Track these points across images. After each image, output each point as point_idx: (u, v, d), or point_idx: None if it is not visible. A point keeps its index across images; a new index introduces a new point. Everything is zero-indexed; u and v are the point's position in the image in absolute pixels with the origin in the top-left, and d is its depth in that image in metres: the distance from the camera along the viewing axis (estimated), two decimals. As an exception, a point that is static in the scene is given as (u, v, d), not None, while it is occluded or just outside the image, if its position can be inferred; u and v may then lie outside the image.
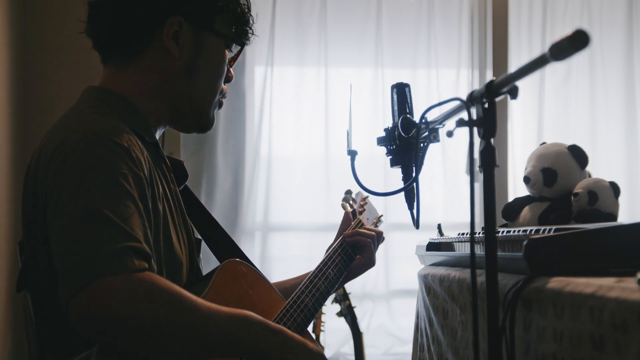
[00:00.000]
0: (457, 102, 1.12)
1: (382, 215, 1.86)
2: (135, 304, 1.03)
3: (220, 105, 1.43)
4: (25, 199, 1.23)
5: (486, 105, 1.02)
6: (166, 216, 1.25)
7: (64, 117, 1.27)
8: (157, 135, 1.38)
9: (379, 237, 1.71)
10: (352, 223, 1.74)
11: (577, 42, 0.84)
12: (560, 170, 1.76)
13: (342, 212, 1.80)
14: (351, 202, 1.79)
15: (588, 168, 1.81)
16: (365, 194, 1.84)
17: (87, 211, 1.06)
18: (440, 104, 1.19)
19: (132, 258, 1.04)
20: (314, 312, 1.44)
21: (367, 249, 1.67)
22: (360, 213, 1.78)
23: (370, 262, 1.69)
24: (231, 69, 1.43)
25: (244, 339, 1.14)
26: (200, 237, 1.47)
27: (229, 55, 1.41)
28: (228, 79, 1.43)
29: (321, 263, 1.58)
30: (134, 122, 1.28)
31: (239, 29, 1.40)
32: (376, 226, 1.81)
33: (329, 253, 1.62)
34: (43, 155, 1.18)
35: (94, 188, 1.08)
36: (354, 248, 1.67)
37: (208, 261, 1.52)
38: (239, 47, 1.42)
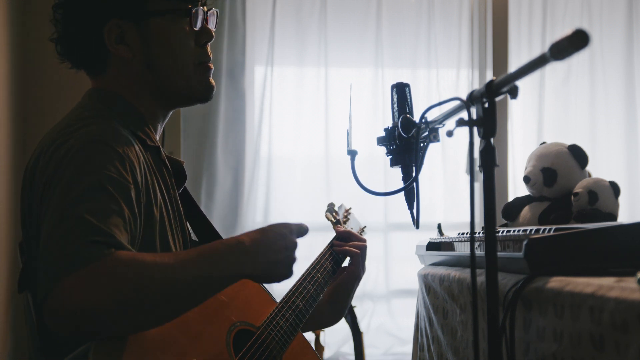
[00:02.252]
0: (457, 102, 1.12)
1: (365, 227, 1.87)
2: (96, 294, 0.99)
3: (208, 69, 1.37)
4: (23, 198, 1.23)
5: (486, 105, 1.02)
6: (163, 223, 1.25)
7: (65, 119, 1.27)
8: (158, 134, 1.38)
9: (364, 249, 1.68)
10: (337, 233, 1.72)
11: (577, 41, 0.84)
12: (560, 170, 1.76)
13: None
14: (334, 214, 1.80)
15: (588, 168, 1.80)
16: (348, 205, 1.85)
17: (64, 216, 1.05)
18: (440, 103, 1.19)
19: (100, 249, 1.01)
20: (305, 314, 1.45)
21: (355, 260, 1.66)
22: (345, 223, 1.79)
23: (359, 274, 1.66)
24: (208, 26, 1.36)
25: (221, 272, 1.12)
26: (197, 239, 1.47)
27: (191, 20, 1.33)
28: (207, 39, 1.36)
29: (309, 267, 1.58)
30: (135, 126, 1.29)
31: None
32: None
33: (317, 258, 1.62)
34: (43, 155, 1.18)
35: (76, 193, 1.07)
36: (342, 257, 1.67)
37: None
38: (197, 8, 1.34)
